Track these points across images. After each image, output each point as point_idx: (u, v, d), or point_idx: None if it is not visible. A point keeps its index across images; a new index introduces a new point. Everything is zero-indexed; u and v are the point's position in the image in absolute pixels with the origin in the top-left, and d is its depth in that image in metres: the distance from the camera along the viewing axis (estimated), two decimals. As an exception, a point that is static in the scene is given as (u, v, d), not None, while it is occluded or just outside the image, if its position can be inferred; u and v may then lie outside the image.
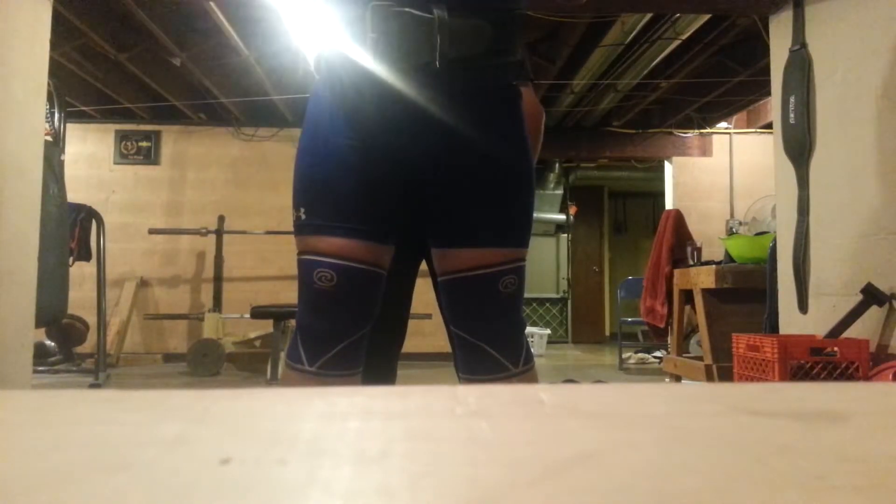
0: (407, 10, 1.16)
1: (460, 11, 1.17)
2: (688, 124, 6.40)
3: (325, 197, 1.22)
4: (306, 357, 1.23)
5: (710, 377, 3.58)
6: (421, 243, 1.53)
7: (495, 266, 1.24)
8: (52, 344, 4.91)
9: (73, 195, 4.21)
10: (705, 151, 6.54)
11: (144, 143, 6.12)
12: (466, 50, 1.19)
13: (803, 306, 2.92)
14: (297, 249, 1.26)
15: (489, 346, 1.28)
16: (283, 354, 4.92)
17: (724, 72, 5.02)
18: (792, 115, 2.99)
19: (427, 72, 1.18)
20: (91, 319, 4.90)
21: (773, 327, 3.15)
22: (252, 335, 5.58)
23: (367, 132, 1.22)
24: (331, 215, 1.21)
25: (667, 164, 6.70)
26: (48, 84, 3.07)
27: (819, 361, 2.43)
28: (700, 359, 3.87)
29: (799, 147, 2.95)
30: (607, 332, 9.20)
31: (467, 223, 1.25)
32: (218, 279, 5.83)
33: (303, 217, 1.23)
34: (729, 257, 3.85)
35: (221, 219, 5.93)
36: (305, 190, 1.24)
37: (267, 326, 5.18)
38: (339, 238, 1.20)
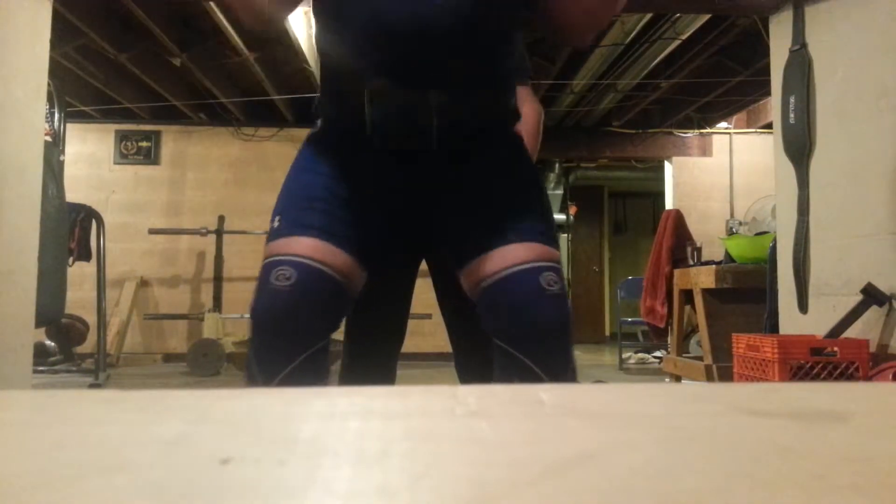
0: (403, 95, 1.13)
1: (457, 92, 1.15)
2: (688, 124, 6.40)
3: (303, 203, 1.15)
4: (262, 376, 1.10)
5: (710, 377, 3.58)
6: (423, 243, 1.52)
7: (532, 261, 1.11)
8: (52, 344, 4.91)
9: (73, 195, 4.21)
10: (705, 151, 6.54)
11: (144, 143, 6.12)
12: (464, 130, 1.18)
13: (803, 306, 2.93)
14: (263, 257, 1.14)
15: (532, 361, 1.09)
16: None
17: (724, 72, 5.02)
18: (792, 115, 2.99)
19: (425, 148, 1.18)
20: (91, 319, 4.90)
21: (773, 327, 3.15)
22: (252, 335, 5.57)
23: (362, 183, 1.18)
24: (306, 220, 1.12)
25: (667, 164, 6.70)
26: (48, 84, 3.08)
27: (819, 361, 2.43)
28: (700, 359, 3.87)
29: (799, 147, 2.95)
30: (607, 332, 9.20)
31: (489, 231, 1.16)
32: (218, 279, 5.83)
33: (275, 225, 1.14)
34: (729, 257, 3.85)
35: (221, 219, 5.93)
36: (284, 200, 1.17)
37: (267, 326, 5.17)
38: (308, 238, 1.10)
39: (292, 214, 1.14)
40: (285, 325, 1.07)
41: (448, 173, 1.20)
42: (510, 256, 1.12)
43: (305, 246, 1.09)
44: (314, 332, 1.09)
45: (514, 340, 1.10)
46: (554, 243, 1.18)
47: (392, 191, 1.21)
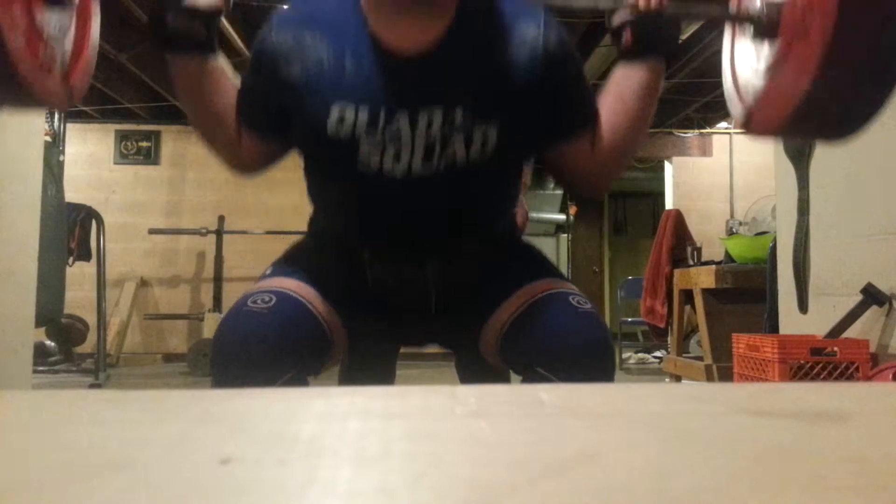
0: (400, 268, 1.09)
1: (454, 257, 1.10)
2: (688, 124, 6.40)
3: (293, 262, 1.12)
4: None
5: (710, 377, 3.57)
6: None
7: (557, 289, 1.04)
8: (52, 344, 4.91)
9: (73, 195, 4.21)
10: (705, 151, 6.54)
11: (144, 143, 6.13)
12: (462, 292, 1.11)
13: (803, 306, 2.93)
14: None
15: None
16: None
17: (724, 72, 5.02)
18: (792, 115, 2.99)
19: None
20: (91, 319, 4.90)
21: (773, 327, 3.15)
22: (252, 335, 5.58)
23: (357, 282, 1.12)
24: (293, 268, 1.08)
25: (667, 164, 6.70)
26: (48, 84, 3.07)
27: (819, 361, 2.43)
28: (700, 359, 3.87)
29: (799, 147, 2.95)
30: (607, 332, 9.19)
31: (499, 288, 1.08)
32: (218, 279, 5.83)
33: (267, 273, 1.10)
34: (729, 257, 3.85)
35: (221, 219, 5.93)
36: (278, 261, 1.14)
37: (267, 326, 5.17)
38: (294, 280, 1.04)
39: (281, 266, 1.10)
40: (256, 349, 0.93)
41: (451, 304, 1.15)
42: (530, 291, 1.04)
43: (290, 283, 1.03)
44: (286, 362, 0.95)
45: (554, 365, 0.97)
46: (562, 278, 1.13)
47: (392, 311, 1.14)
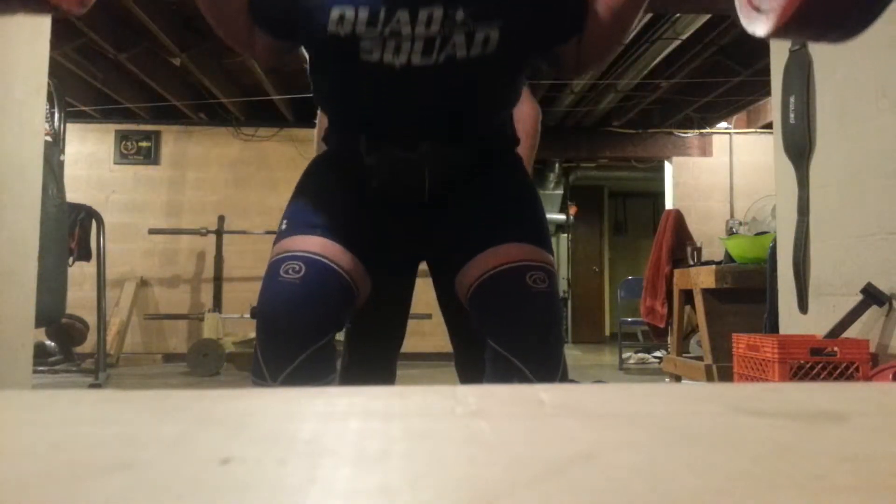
0: (396, 151, 1.16)
1: (448, 142, 1.17)
2: (688, 124, 6.40)
3: (309, 209, 1.20)
4: (268, 371, 1.09)
5: (710, 377, 3.57)
6: (420, 251, 1.52)
7: (518, 261, 1.14)
8: (52, 344, 4.91)
9: (73, 195, 4.21)
10: (705, 151, 6.53)
11: (144, 143, 6.12)
12: (456, 175, 1.20)
13: (803, 306, 2.92)
14: (270, 258, 1.16)
15: (520, 360, 1.09)
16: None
17: (724, 72, 5.02)
18: (792, 115, 2.99)
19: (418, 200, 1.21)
20: (91, 319, 4.90)
21: (773, 327, 3.15)
22: (252, 335, 5.57)
23: (364, 201, 1.23)
24: (313, 222, 1.17)
25: (667, 164, 6.70)
26: (48, 84, 3.07)
27: (819, 361, 2.43)
28: (700, 359, 3.87)
29: (799, 147, 2.95)
30: (607, 332, 9.19)
31: (480, 235, 1.19)
32: (218, 279, 5.83)
33: (283, 227, 1.18)
34: (729, 257, 3.85)
35: (221, 219, 5.93)
36: (291, 207, 1.23)
37: (267, 326, 5.17)
38: (317, 237, 1.14)
39: (299, 217, 1.19)
40: (293, 318, 1.08)
41: (447, 198, 1.23)
42: (498, 256, 1.14)
43: (314, 243, 1.13)
44: (321, 327, 1.09)
45: (501, 339, 1.10)
46: (544, 246, 1.20)
47: (392, 212, 1.24)
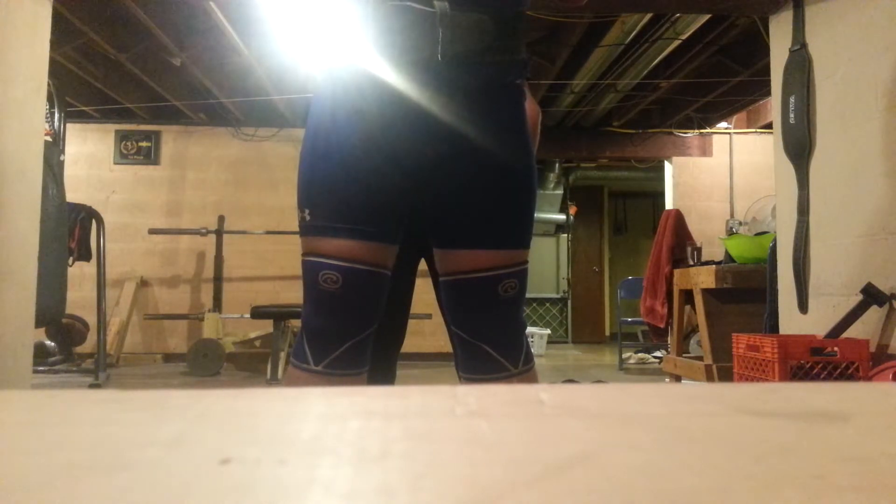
0: (408, 3, 1.16)
1: (463, 5, 1.18)
2: (688, 124, 6.40)
3: (328, 197, 1.22)
4: (312, 357, 1.22)
5: (710, 377, 3.58)
6: (421, 243, 1.52)
7: (495, 269, 1.25)
8: (52, 344, 4.91)
9: (73, 195, 4.21)
10: (705, 151, 6.53)
11: (144, 143, 6.12)
12: (469, 45, 1.19)
13: (803, 306, 2.93)
14: (302, 250, 1.26)
15: (489, 346, 1.28)
16: (283, 354, 4.88)
17: (724, 72, 5.02)
18: (792, 115, 2.99)
19: (429, 68, 1.18)
20: (91, 319, 4.90)
21: (773, 327, 3.15)
22: (252, 335, 5.58)
23: (369, 132, 1.22)
24: (334, 216, 1.21)
25: (667, 164, 6.70)
26: (48, 84, 3.07)
27: (819, 361, 2.43)
28: (700, 359, 3.87)
29: (799, 147, 2.95)
30: (607, 332, 9.20)
31: (467, 224, 1.25)
32: (218, 279, 5.83)
33: (307, 218, 1.24)
34: (729, 257, 3.85)
35: (221, 219, 5.93)
36: (309, 191, 1.24)
37: (267, 326, 5.17)
38: (344, 239, 1.20)
39: (320, 209, 1.22)
40: (338, 321, 1.22)
41: (450, 110, 1.22)
42: (478, 260, 1.25)
43: (344, 248, 1.20)
44: (363, 324, 1.24)
45: (468, 331, 1.29)
46: (524, 240, 1.28)
47: (399, 132, 1.22)
